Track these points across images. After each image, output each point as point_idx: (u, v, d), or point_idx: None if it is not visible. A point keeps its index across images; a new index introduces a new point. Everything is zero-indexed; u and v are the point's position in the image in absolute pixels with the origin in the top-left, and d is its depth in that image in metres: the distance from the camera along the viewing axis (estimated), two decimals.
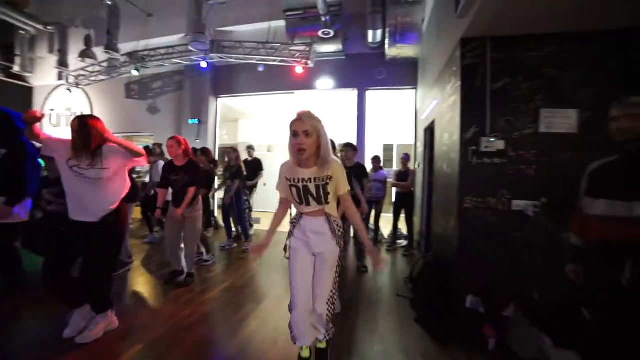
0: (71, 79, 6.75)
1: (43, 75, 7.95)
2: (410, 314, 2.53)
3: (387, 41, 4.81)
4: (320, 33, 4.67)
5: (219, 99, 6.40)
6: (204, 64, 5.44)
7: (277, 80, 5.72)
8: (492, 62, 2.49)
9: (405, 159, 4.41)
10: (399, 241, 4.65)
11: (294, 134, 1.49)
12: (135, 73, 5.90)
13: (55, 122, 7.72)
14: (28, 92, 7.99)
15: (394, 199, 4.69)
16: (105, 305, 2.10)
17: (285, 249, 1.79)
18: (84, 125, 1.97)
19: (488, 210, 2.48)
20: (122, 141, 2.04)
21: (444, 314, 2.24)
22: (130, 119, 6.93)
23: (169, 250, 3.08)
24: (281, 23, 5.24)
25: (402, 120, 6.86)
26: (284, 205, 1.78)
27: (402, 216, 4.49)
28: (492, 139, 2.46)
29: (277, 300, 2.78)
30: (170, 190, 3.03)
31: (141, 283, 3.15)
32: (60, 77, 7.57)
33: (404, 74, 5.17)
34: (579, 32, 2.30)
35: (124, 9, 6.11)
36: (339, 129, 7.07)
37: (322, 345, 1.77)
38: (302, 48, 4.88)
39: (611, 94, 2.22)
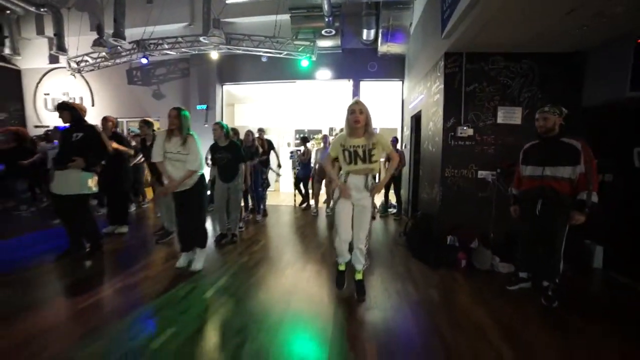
0: (73, 64, 6.88)
1: (31, 58, 7.88)
2: (407, 254, 3.54)
3: (379, 39, 5.61)
4: (323, 32, 5.36)
5: (224, 86, 6.91)
6: (215, 55, 5.92)
7: (280, 70, 6.36)
8: (465, 71, 3.43)
9: (394, 141, 5.34)
10: (390, 209, 5.68)
11: (352, 112, 2.16)
12: (144, 61, 6.24)
13: (51, 107, 7.79)
14: (16, 74, 7.90)
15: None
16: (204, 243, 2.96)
17: (329, 205, 2.59)
18: (178, 116, 2.70)
19: (461, 179, 3.51)
20: None
21: (432, 250, 3.26)
22: (136, 104, 7.26)
23: (218, 216, 3.87)
24: (285, 17, 5.80)
25: (385, 107, 7.76)
26: (333, 162, 2.42)
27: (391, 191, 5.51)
28: (465, 127, 3.45)
29: (308, 252, 3.68)
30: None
31: None
32: (52, 61, 7.60)
33: (393, 68, 6.04)
34: (520, 53, 3.29)
35: None
36: (334, 115, 7.90)
37: (359, 277, 2.43)
38: (306, 43, 5.55)
39: (539, 98, 3.30)
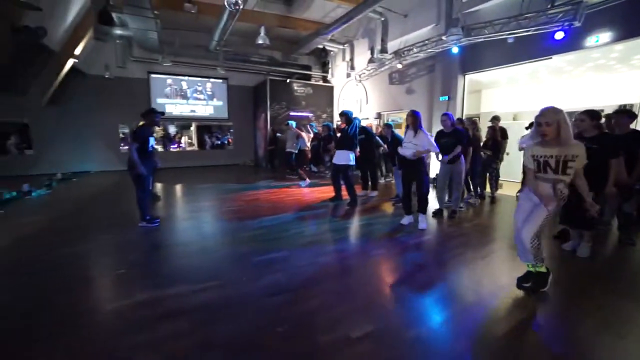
0: (357, 77, 9.95)
1: (337, 77, 12.03)
2: None
3: None
4: None
5: (466, 76, 7.20)
6: (455, 50, 6.42)
7: (529, 48, 5.68)
8: None
9: None
10: None
11: (538, 124, 2.14)
12: (399, 66, 7.91)
13: (345, 107, 11.67)
14: (331, 89, 12.41)
15: None
16: (425, 210, 4.06)
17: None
18: (412, 116, 3.80)
19: None
20: None
21: None
22: (393, 100, 9.28)
23: (438, 192, 4.74)
24: None
25: None
26: (530, 174, 2.34)
27: None
28: None
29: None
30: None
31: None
32: (347, 76, 11.20)
33: None
34: None
35: (386, 14, 8.13)
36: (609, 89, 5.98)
37: (542, 269, 2.39)
38: (566, 8, 4.67)
39: None
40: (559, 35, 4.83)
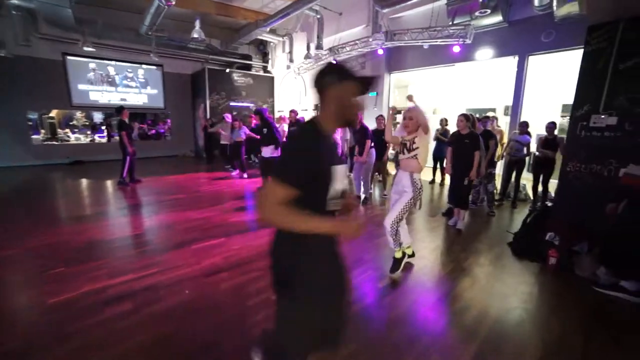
0: (296, 69, 10.31)
1: (278, 68, 12.21)
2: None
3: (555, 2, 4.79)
4: (476, 13, 5.31)
5: (392, 74, 8.11)
6: (380, 51, 7.20)
7: (439, 55, 6.72)
8: (620, 44, 2.93)
9: (552, 127, 4.66)
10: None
11: (403, 118, 2.81)
12: (333, 62, 8.45)
13: (284, 99, 11.96)
14: (271, 80, 12.54)
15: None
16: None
17: None
18: None
19: (589, 175, 3.17)
20: None
21: (523, 241, 3.37)
22: None
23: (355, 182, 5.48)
24: (442, 3, 6.10)
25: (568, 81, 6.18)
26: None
27: None
28: (604, 116, 3.04)
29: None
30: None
31: None
32: (287, 68, 11.47)
33: (576, 33, 4.94)
34: None
35: (322, 12, 8.61)
36: (494, 96, 7.38)
37: (397, 255, 2.79)
38: (460, 28, 5.69)
39: None
40: (456, 48, 5.86)
